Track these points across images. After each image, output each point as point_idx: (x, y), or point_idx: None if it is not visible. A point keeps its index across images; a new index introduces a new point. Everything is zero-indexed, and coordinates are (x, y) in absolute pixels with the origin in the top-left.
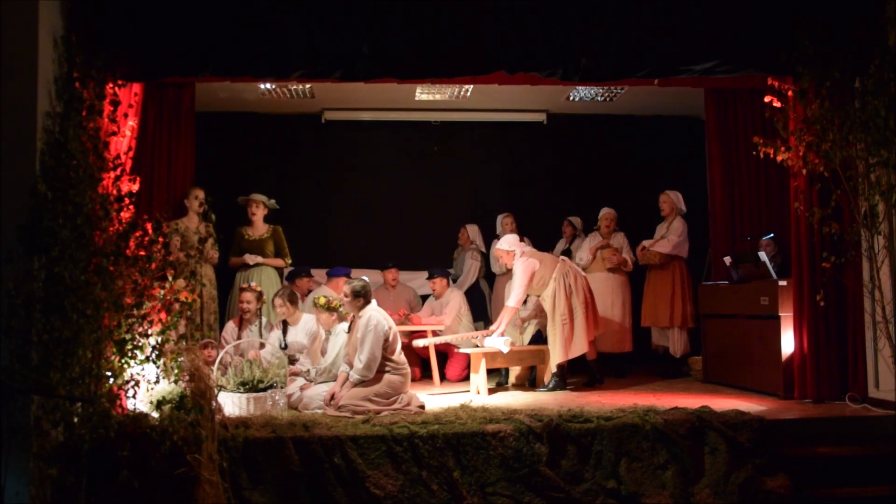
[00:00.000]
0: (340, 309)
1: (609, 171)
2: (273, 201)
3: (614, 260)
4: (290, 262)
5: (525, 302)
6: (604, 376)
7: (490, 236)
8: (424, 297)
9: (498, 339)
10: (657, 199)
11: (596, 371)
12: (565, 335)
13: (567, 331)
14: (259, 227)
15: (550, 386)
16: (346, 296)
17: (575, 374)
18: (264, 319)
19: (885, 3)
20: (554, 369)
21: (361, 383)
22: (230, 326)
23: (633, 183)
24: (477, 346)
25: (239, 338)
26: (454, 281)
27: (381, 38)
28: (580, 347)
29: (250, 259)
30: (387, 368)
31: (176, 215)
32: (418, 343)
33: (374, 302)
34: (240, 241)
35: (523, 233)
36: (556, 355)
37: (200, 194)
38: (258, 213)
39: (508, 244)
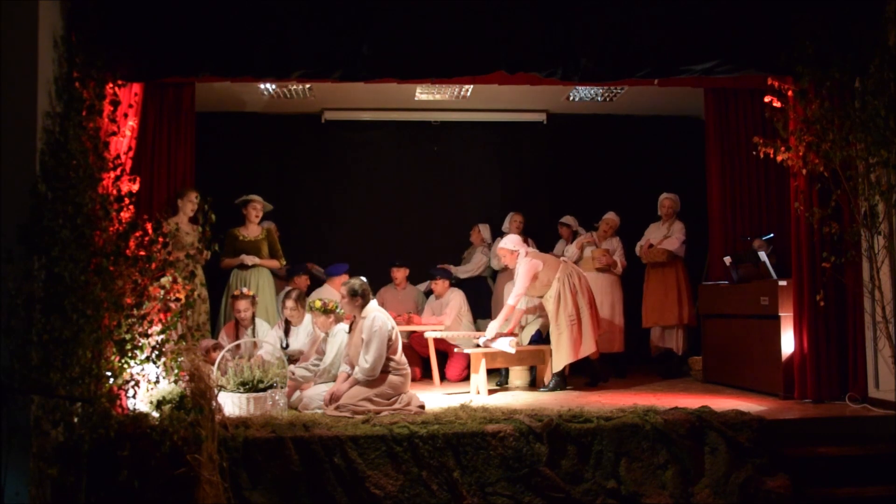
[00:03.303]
0: (338, 311)
1: (609, 172)
2: (269, 204)
3: (604, 261)
4: (284, 262)
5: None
6: (608, 375)
7: (495, 235)
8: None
9: (503, 341)
10: (657, 198)
11: (599, 370)
12: (574, 336)
13: (576, 331)
14: (254, 229)
15: (551, 386)
16: (343, 296)
17: (576, 373)
18: (266, 325)
19: (885, 3)
20: (557, 369)
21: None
22: (227, 330)
23: (632, 183)
24: (478, 346)
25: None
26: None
27: (381, 38)
28: (589, 347)
29: (248, 260)
30: (387, 368)
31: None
32: (431, 334)
33: (374, 301)
34: (234, 243)
35: (524, 233)
36: (564, 357)
37: (196, 197)
38: (259, 215)
39: (512, 244)
